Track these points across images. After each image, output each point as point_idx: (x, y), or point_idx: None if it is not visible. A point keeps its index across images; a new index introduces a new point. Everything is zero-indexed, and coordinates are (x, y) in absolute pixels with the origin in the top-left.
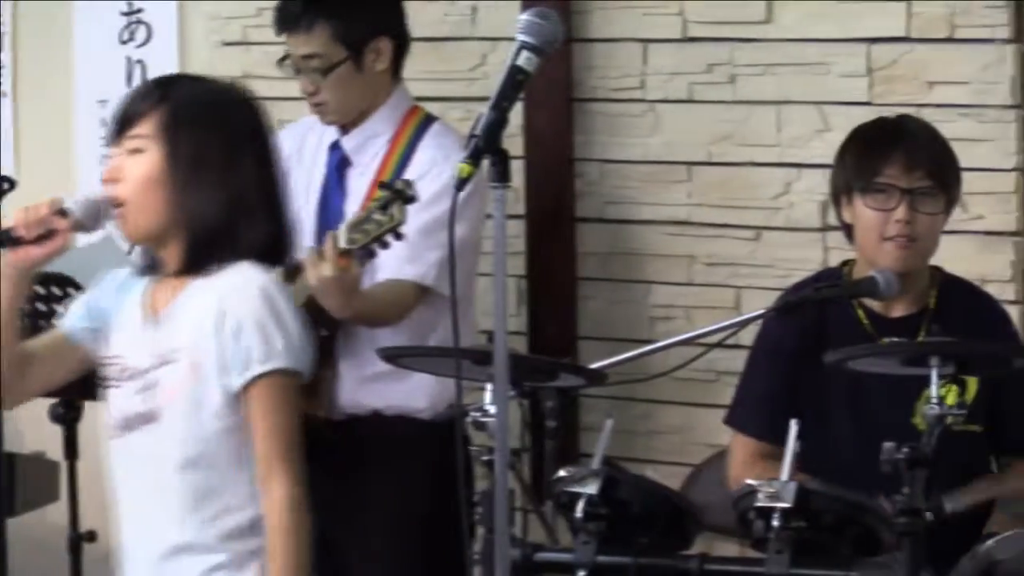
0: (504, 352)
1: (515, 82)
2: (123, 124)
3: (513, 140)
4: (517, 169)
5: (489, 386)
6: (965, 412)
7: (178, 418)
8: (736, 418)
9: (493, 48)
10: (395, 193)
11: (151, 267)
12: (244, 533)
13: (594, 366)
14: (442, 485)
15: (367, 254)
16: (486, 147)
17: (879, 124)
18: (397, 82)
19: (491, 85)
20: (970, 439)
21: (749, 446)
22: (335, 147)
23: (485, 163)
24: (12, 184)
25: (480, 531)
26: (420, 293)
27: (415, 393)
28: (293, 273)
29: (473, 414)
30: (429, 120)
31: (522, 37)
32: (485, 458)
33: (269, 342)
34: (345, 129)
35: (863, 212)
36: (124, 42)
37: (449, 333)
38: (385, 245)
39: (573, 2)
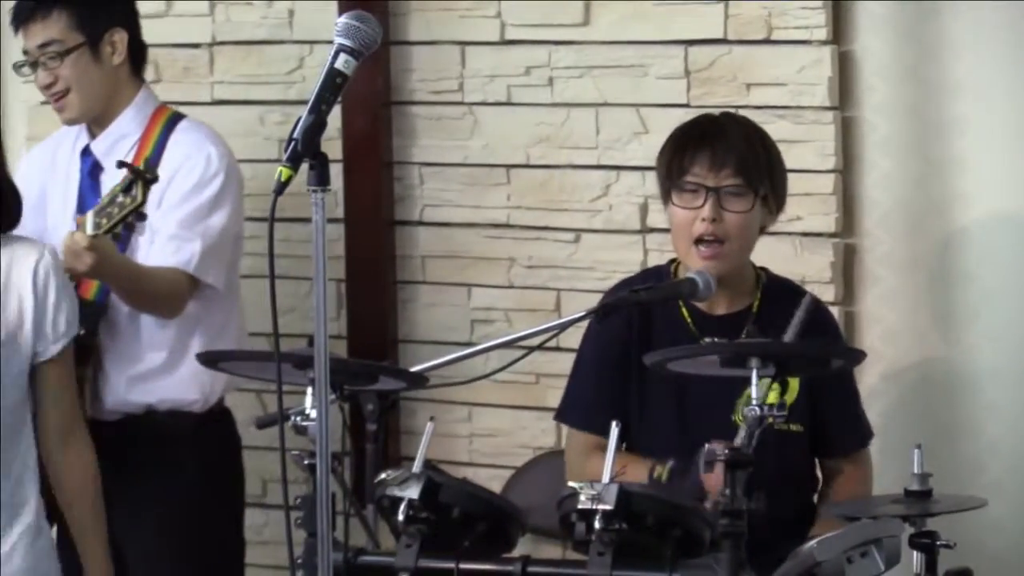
0: (325, 355)
1: (333, 85)
2: None
3: (332, 143)
4: (335, 172)
5: (310, 390)
6: (785, 413)
7: None
8: (567, 415)
9: (310, 51)
10: (136, 174)
11: None
12: (36, 499)
13: (415, 369)
14: (215, 476)
15: (113, 237)
16: (305, 150)
17: (696, 123)
18: (140, 84)
19: (309, 88)
20: (792, 439)
21: (584, 439)
22: (86, 152)
23: (304, 166)
24: None
25: (302, 535)
26: (190, 283)
27: (186, 387)
28: None
29: (294, 418)
30: (177, 117)
31: (340, 40)
32: (306, 462)
33: (74, 309)
34: (93, 135)
35: (673, 212)
36: None
37: (217, 329)
38: (130, 227)
39: (391, 3)
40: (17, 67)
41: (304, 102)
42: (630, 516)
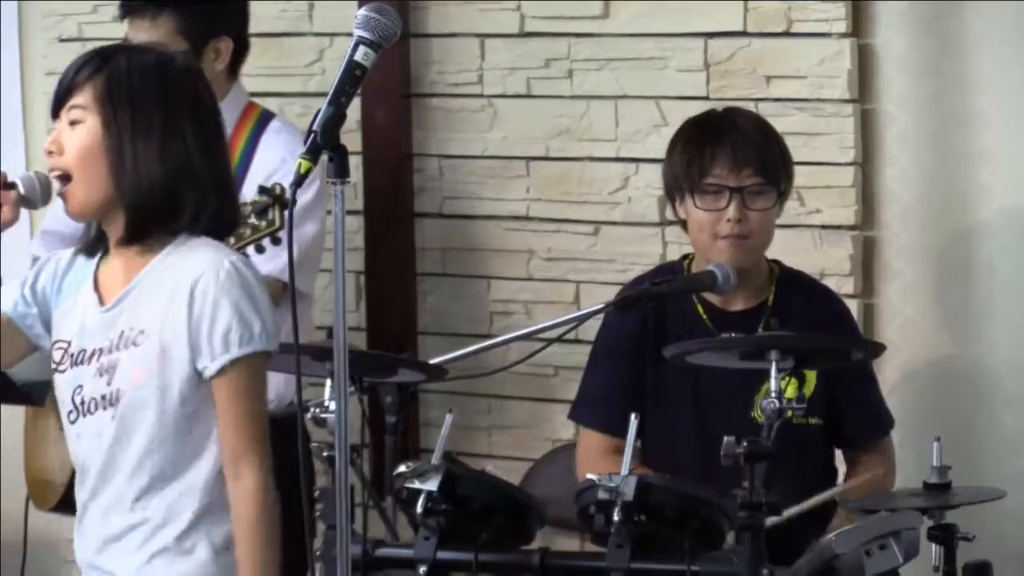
0: (344, 347)
1: (353, 77)
2: (62, 96)
3: (351, 136)
4: (355, 165)
5: (329, 382)
6: (804, 406)
7: (141, 401)
8: (580, 413)
9: (330, 44)
10: (274, 199)
11: (94, 246)
12: (204, 517)
13: (434, 361)
14: (285, 480)
15: (258, 249)
16: (324, 143)
17: (705, 120)
18: (233, 80)
19: (328, 81)
20: (811, 432)
21: (595, 440)
22: None
23: (324, 159)
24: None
25: (321, 527)
26: (281, 290)
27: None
28: None
29: (314, 410)
30: (267, 117)
31: (359, 32)
32: (325, 454)
33: (247, 324)
34: None
35: (694, 212)
36: None
37: (290, 330)
38: (261, 249)
39: None
40: None
41: (324, 94)
42: (649, 508)
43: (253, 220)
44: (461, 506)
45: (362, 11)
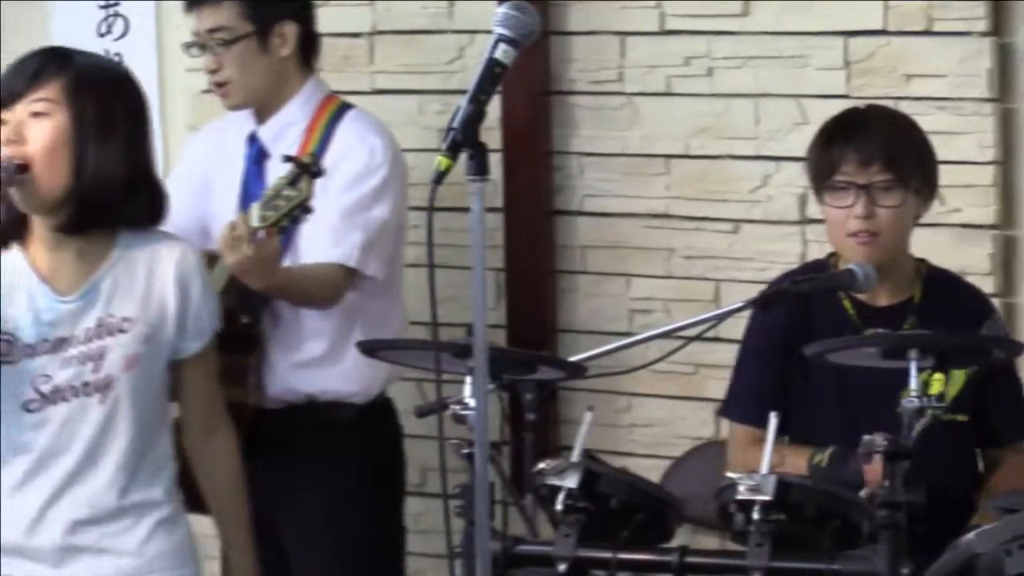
0: (484, 345)
1: (493, 75)
2: (20, 90)
3: (491, 133)
4: (495, 162)
5: (468, 379)
6: (945, 404)
7: (134, 385)
8: (730, 409)
9: (471, 41)
10: (302, 167)
11: (4, 235)
12: (173, 490)
13: (573, 359)
14: (375, 467)
15: (279, 231)
16: (464, 140)
17: (841, 118)
18: (310, 73)
19: (469, 78)
20: (957, 430)
21: (745, 434)
22: (252, 139)
23: (462, 156)
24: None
25: (460, 524)
26: (348, 276)
27: (347, 378)
28: (211, 261)
29: (453, 407)
30: (345, 107)
31: (499, 30)
32: (465, 451)
33: (215, 306)
34: (261, 120)
35: (827, 210)
36: (102, 35)
37: (376, 318)
38: (296, 220)
39: None
40: (186, 46)
41: (464, 92)
42: (789, 507)
43: (287, 191)
44: (601, 504)
45: (502, 8)
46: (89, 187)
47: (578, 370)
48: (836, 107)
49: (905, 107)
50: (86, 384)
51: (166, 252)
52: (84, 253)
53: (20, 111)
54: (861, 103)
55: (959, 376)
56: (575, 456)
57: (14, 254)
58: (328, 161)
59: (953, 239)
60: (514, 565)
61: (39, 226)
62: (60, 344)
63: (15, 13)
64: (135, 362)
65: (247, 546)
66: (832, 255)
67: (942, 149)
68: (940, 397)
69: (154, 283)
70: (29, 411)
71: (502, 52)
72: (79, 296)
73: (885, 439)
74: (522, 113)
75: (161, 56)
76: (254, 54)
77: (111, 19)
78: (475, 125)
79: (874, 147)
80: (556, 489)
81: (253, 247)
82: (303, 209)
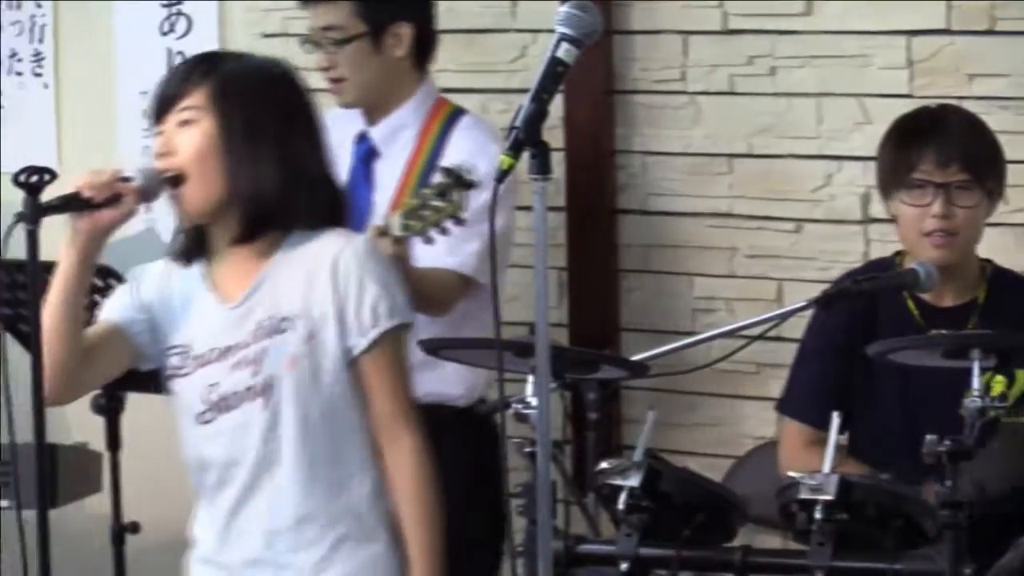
0: (546, 344)
1: (555, 74)
2: (170, 99)
3: (554, 132)
4: (558, 161)
5: (531, 378)
6: (1007, 405)
7: (296, 386)
8: (787, 406)
9: (533, 40)
10: (456, 179)
11: (188, 255)
12: (373, 498)
13: (636, 358)
14: (477, 470)
15: (425, 240)
16: (526, 139)
17: (916, 117)
18: (423, 76)
19: (531, 77)
20: (1020, 430)
21: (801, 432)
22: (362, 139)
23: (525, 155)
24: (54, 176)
25: (523, 523)
26: (464, 283)
27: (451, 381)
28: None
29: (516, 406)
30: (458, 113)
31: (562, 29)
32: (527, 450)
33: (392, 296)
34: (372, 121)
35: (901, 208)
36: (165, 34)
37: (483, 324)
38: (444, 231)
39: None
40: (300, 42)
41: (526, 91)
42: (851, 506)
43: (435, 202)
44: (663, 503)
45: (565, 8)
46: (246, 192)
47: (641, 369)
48: (898, 107)
49: (967, 107)
50: (249, 388)
51: (327, 248)
52: (249, 258)
53: (171, 121)
54: (924, 103)
55: (1023, 377)
56: (637, 455)
57: (194, 268)
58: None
59: (1017, 239)
60: (576, 564)
61: (216, 240)
62: (227, 351)
63: (78, 13)
64: (296, 363)
65: (425, 568)
66: (897, 254)
67: (1005, 149)
68: (1002, 397)
69: (314, 280)
70: (204, 423)
71: (564, 51)
72: (242, 301)
73: (948, 440)
74: (585, 112)
75: None
76: (367, 54)
77: (173, 18)
78: (537, 124)
79: (953, 147)
80: (618, 488)
81: (394, 256)
82: (455, 221)
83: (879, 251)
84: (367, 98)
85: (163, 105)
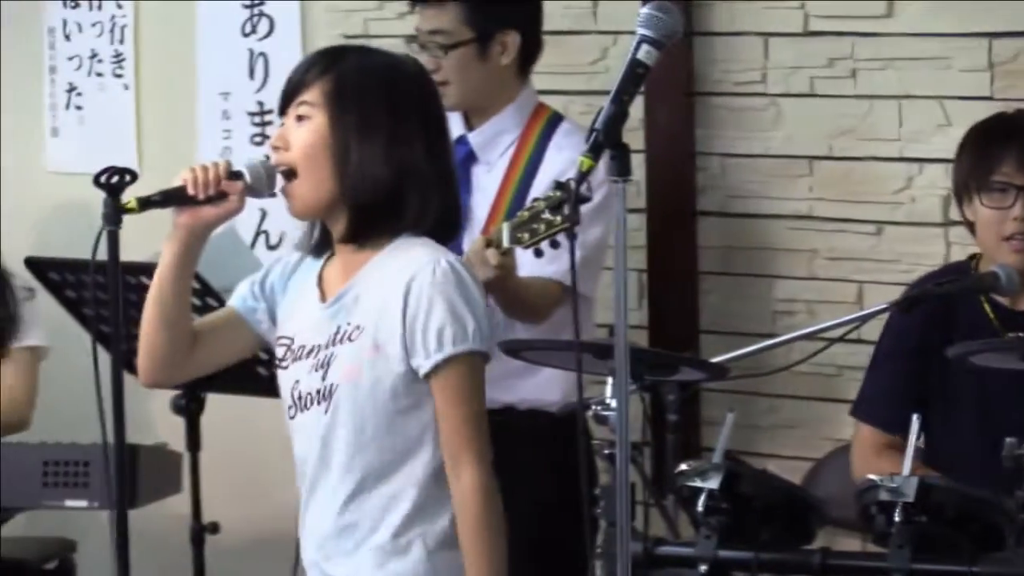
0: (625, 346)
1: (635, 76)
2: (290, 93)
3: (634, 134)
4: (638, 163)
5: (610, 380)
6: None
7: (354, 396)
8: (861, 410)
9: (614, 42)
10: (569, 193)
11: (320, 247)
12: (411, 518)
13: (715, 360)
14: (570, 476)
15: (536, 253)
16: (607, 141)
17: (995, 121)
18: (524, 81)
19: (612, 79)
20: None
21: (874, 437)
22: (461, 142)
23: (605, 156)
24: (134, 176)
25: (602, 524)
26: (562, 293)
27: (547, 387)
28: None
29: (595, 408)
30: (557, 119)
31: (642, 31)
32: (607, 452)
33: (461, 323)
34: (470, 125)
35: (981, 211)
36: (246, 35)
37: (581, 331)
38: (556, 245)
39: None
40: (407, 41)
41: (607, 92)
42: (930, 509)
43: (547, 215)
44: (742, 505)
45: (645, 9)
46: (353, 192)
47: (720, 371)
48: (980, 109)
49: None
50: (318, 392)
51: (412, 263)
52: (350, 259)
53: (290, 115)
54: (1005, 105)
55: None
56: (717, 457)
57: (315, 264)
58: (547, 176)
59: None
60: (655, 566)
61: (334, 236)
62: (312, 351)
63: (159, 14)
64: (355, 373)
65: None
66: (973, 257)
67: None
68: None
69: (389, 294)
70: (291, 418)
71: (645, 53)
72: (332, 302)
73: None
74: (665, 114)
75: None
76: (472, 60)
77: (256, 18)
78: (618, 126)
79: None
80: (698, 490)
81: (498, 272)
82: (569, 235)
83: (960, 254)
84: (469, 103)
85: (286, 97)
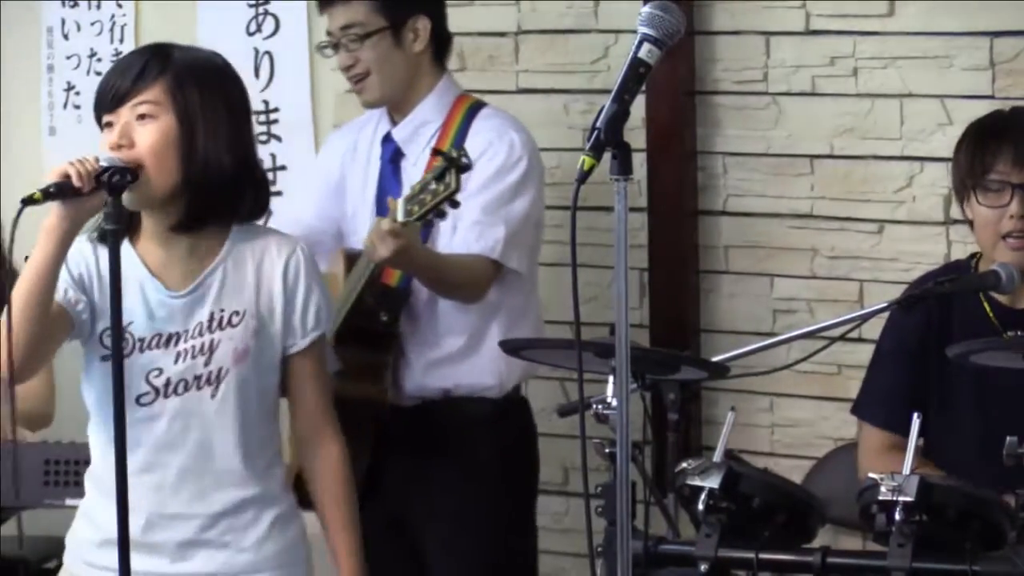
0: (626, 345)
1: (637, 74)
2: (125, 93)
3: (635, 133)
4: (639, 162)
5: (611, 379)
6: None
7: (242, 377)
8: (863, 409)
9: (615, 40)
10: (449, 161)
11: (110, 234)
12: (283, 486)
13: (716, 359)
14: (511, 461)
15: (425, 224)
16: (608, 139)
17: (991, 119)
18: (442, 71)
19: (613, 78)
20: None
21: (877, 436)
22: (387, 139)
23: (606, 155)
24: (136, 176)
25: (602, 523)
26: (493, 269)
27: (483, 372)
28: (349, 260)
29: (596, 407)
30: (479, 105)
31: (644, 30)
32: (607, 450)
33: (328, 303)
34: (394, 121)
35: (978, 209)
36: (251, 33)
37: (517, 314)
38: (442, 214)
39: None
40: (320, 47)
41: (608, 91)
42: (931, 508)
43: (433, 186)
44: (742, 504)
45: (647, 8)
46: (199, 182)
47: (721, 370)
48: (981, 108)
49: None
50: (198, 377)
51: (275, 248)
52: (195, 249)
53: (125, 114)
54: (1006, 104)
55: None
56: (717, 456)
57: (126, 249)
58: None
59: None
60: (656, 565)
61: (150, 223)
62: (172, 338)
63: (163, 13)
64: (244, 355)
65: (353, 554)
66: (973, 256)
67: None
68: None
69: (262, 278)
70: (141, 404)
71: (646, 52)
72: (190, 291)
73: None
74: (666, 113)
75: (312, 54)
76: (388, 48)
77: (261, 17)
78: (619, 124)
79: None
80: (698, 489)
81: (397, 241)
82: (451, 203)
83: (960, 252)
84: (390, 93)
85: (116, 99)
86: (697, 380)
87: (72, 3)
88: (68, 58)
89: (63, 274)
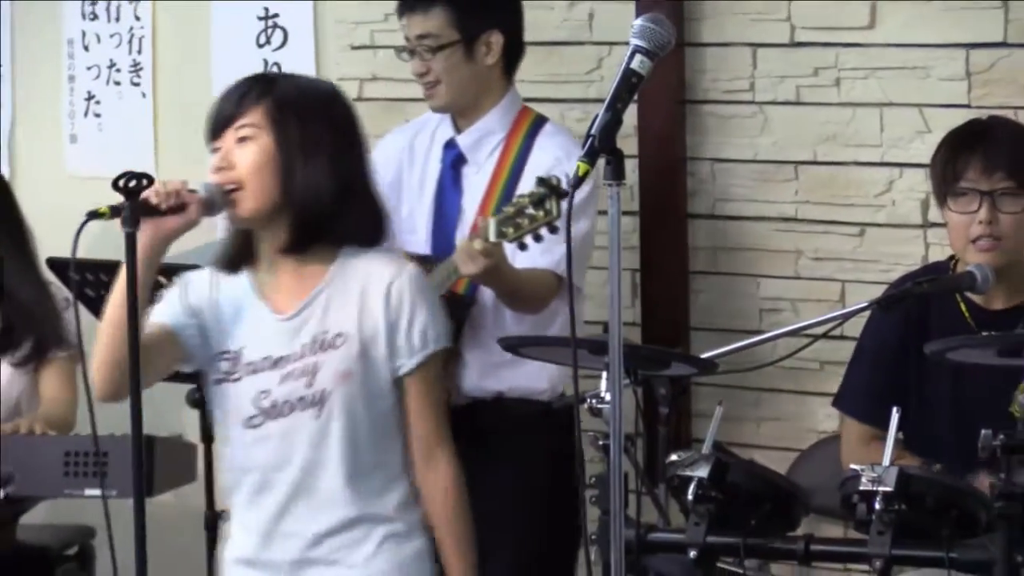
0: (619, 342)
1: (629, 84)
2: (227, 118)
3: (628, 140)
4: (631, 168)
5: (605, 374)
6: None
7: (346, 399)
8: (844, 402)
9: (609, 52)
10: (551, 189)
11: (234, 263)
12: (409, 503)
13: (705, 355)
14: (560, 462)
15: (520, 247)
16: (602, 146)
17: (964, 129)
18: (509, 84)
19: (607, 87)
20: None
21: (858, 429)
22: (450, 145)
23: (601, 161)
24: (151, 181)
25: (597, 513)
26: (557, 283)
27: (537, 376)
28: (423, 264)
29: (590, 401)
30: (541, 120)
31: (636, 41)
32: (601, 443)
33: (438, 323)
34: (458, 128)
35: (950, 215)
36: (261, 46)
37: (567, 323)
38: (538, 238)
39: (687, 5)
40: (397, 52)
41: (602, 101)
42: (909, 497)
43: (531, 211)
44: (730, 494)
45: (639, 21)
46: (300, 204)
47: (710, 366)
48: (958, 116)
49: (1015, 119)
50: (301, 399)
51: (381, 269)
52: (301, 271)
53: (228, 138)
54: (982, 113)
55: None
56: (706, 448)
57: (241, 276)
58: (533, 174)
59: None
60: (647, 551)
61: (262, 248)
62: (279, 361)
63: (176, 25)
64: (347, 378)
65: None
66: (952, 258)
67: None
68: None
69: (366, 301)
70: (252, 427)
71: (639, 63)
72: (295, 313)
73: (1002, 434)
74: (658, 121)
75: (319, 66)
76: (459, 61)
77: (270, 30)
78: (613, 132)
79: (998, 156)
80: (688, 479)
81: (491, 260)
82: (550, 228)
83: (938, 254)
84: (458, 102)
85: (220, 124)
86: (687, 376)
87: (92, 16)
88: (88, 68)
89: (174, 299)
